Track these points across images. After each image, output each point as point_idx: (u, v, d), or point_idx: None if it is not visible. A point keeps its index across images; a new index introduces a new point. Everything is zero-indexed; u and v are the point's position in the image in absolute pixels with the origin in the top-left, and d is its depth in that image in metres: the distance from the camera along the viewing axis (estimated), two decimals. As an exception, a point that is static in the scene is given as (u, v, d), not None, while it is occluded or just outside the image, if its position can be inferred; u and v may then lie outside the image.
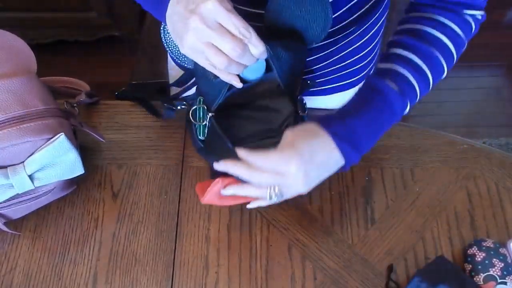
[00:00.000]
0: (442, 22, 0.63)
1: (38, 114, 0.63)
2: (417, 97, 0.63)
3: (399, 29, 0.66)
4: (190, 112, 0.69)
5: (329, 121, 0.58)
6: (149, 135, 0.80)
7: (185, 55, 0.57)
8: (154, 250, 0.69)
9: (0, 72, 0.64)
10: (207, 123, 0.67)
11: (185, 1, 0.52)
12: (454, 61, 0.65)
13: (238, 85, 0.58)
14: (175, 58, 0.66)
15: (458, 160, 0.79)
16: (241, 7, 0.62)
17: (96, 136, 0.75)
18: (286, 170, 0.54)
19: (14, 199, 0.65)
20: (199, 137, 0.71)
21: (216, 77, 0.60)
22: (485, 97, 2.02)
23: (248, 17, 0.53)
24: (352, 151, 0.57)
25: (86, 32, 1.90)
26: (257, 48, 0.54)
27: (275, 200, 0.57)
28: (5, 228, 0.68)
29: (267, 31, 0.61)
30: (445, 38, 0.62)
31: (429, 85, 0.63)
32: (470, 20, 0.64)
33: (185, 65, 0.67)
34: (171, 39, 0.63)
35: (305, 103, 0.69)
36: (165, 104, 0.76)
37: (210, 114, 0.66)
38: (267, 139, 0.71)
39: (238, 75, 0.59)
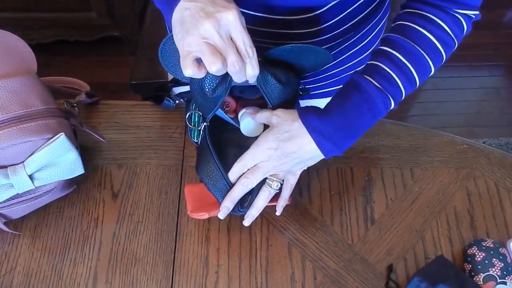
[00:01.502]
0: (432, 20, 0.63)
1: (38, 114, 0.63)
2: (401, 92, 0.63)
3: (391, 26, 0.67)
4: (186, 116, 0.71)
5: (306, 112, 0.62)
6: (149, 135, 0.80)
7: (182, 73, 0.57)
8: (154, 250, 0.69)
9: (0, 72, 0.64)
10: (202, 130, 0.69)
11: (206, 1, 0.52)
12: (443, 59, 0.65)
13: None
14: (171, 74, 0.67)
15: (458, 160, 0.79)
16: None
17: (96, 136, 0.75)
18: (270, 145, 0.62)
19: (14, 199, 0.65)
20: (193, 139, 0.72)
21: (212, 92, 0.62)
22: (485, 97, 2.02)
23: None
24: (325, 142, 0.61)
25: (86, 32, 1.90)
26: (253, 70, 0.54)
27: (275, 187, 0.65)
28: (5, 228, 0.68)
29: (263, 59, 0.62)
30: (432, 36, 0.63)
31: (414, 81, 0.64)
32: (462, 19, 0.64)
33: (184, 80, 0.68)
34: (169, 59, 0.63)
35: None
36: (167, 97, 0.78)
37: (204, 123, 0.68)
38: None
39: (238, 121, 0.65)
